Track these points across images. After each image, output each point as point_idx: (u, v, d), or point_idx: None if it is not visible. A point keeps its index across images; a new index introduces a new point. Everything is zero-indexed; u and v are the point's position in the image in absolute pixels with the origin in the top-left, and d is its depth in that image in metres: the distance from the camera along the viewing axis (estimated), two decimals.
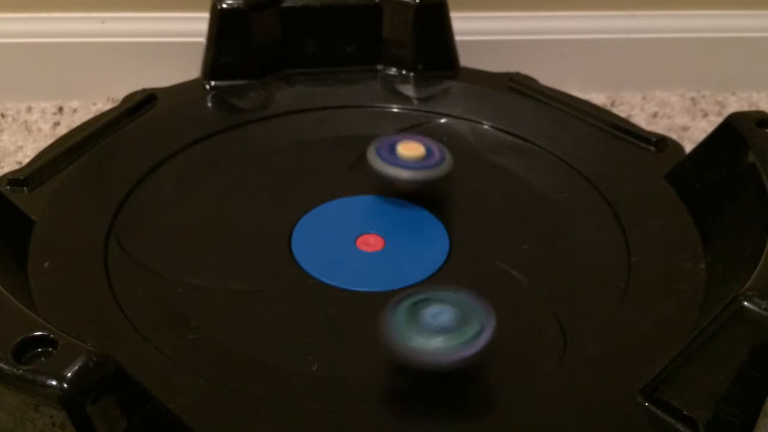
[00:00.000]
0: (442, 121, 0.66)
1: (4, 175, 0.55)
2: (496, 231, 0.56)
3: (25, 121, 0.75)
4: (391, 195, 0.58)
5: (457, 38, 0.71)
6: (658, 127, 0.74)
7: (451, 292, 0.43)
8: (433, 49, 0.71)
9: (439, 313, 0.42)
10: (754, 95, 0.83)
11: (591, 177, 0.60)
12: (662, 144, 0.62)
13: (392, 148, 0.56)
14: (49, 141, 0.62)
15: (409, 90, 0.69)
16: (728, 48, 0.82)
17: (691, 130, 0.77)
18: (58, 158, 0.57)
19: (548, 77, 0.71)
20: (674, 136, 0.68)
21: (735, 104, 0.81)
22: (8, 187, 0.55)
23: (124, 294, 0.49)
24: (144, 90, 0.66)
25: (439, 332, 0.41)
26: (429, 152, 0.56)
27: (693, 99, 0.82)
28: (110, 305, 0.48)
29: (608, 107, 0.78)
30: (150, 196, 0.57)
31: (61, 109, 0.77)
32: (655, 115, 0.79)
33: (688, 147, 0.61)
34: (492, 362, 0.46)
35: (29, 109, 0.77)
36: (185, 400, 0.41)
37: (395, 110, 0.67)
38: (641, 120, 0.78)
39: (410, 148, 0.56)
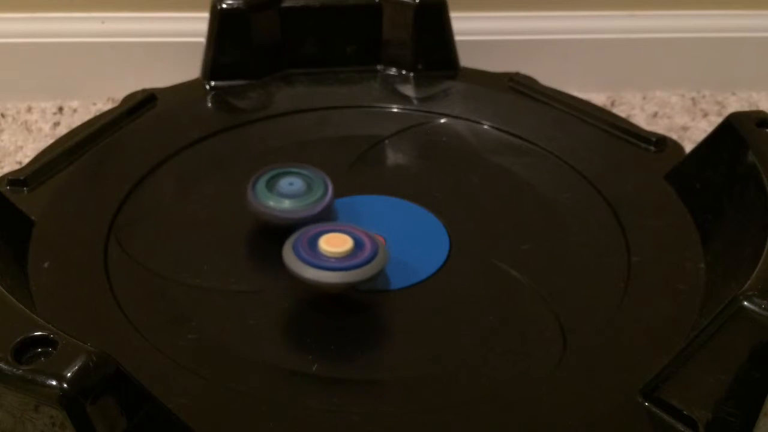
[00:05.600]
0: (442, 121, 0.66)
1: (4, 175, 0.55)
2: (496, 231, 0.56)
3: (25, 121, 0.75)
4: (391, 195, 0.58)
5: (457, 38, 0.71)
6: (658, 127, 0.74)
7: (298, 168, 0.54)
8: (433, 49, 0.71)
9: (291, 182, 0.53)
10: (754, 95, 0.83)
11: (591, 177, 0.60)
12: (662, 144, 0.62)
13: (313, 243, 0.48)
14: (49, 141, 0.62)
15: (409, 90, 0.69)
16: (728, 48, 0.82)
17: (691, 130, 0.77)
18: (58, 158, 0.57)
19: (548, 77, 0.71)
20: (674, 136, 0.68)
21: (735, 104, 0.81)
22: (8, 187, 0.55)
23: (124, 294, 0.49)
24: (144, 90, 0.66)
25: (292, 196, 0.52)
26: (358, 245, 0.48)
27: (693, 99, 0.82)
28: (110, 305, 0.48)
29: (608, 107, 0.78)
30: (150, 196, 0.57)
31: (61, 109, 0.77)
32: (655, 115, 0.79)
33: (688, 147, 0.61)
34: (492, 362, 0.46)
35: (29, 109, 0.77)
36: (185, 400, 0.41)
37: (395, 110, 0.67)
38: (641, 120, 0.78)
39: (334, 242, 0.48)
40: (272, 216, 0.52)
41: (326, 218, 0.53)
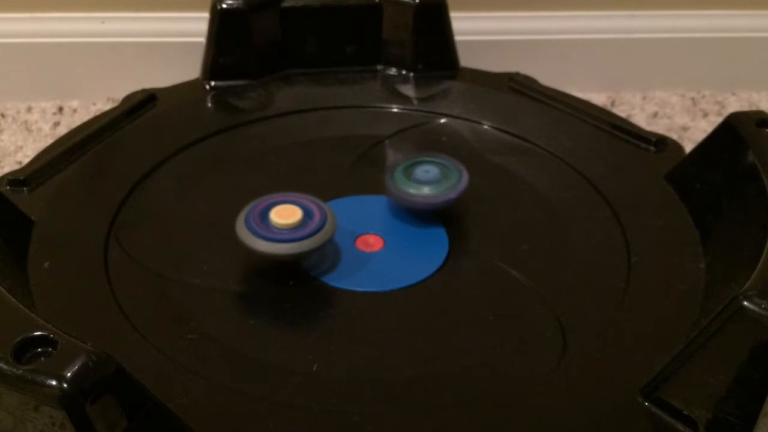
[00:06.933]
0: (442, 121, 0.66)
1: (4, 175, 0.55)
2: (496, 231, 0.56)
3: (25, 121, 0.75)
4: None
5: (457, 38, 0.71)
6: (658, 127, 0.74)
7: (435, 157, 0.57)
8: (433, 49, 0.71)
9: (427, 170, 0.55)
10: (754, 95, 0.83)
11: (591, 177, 0.60)
12: (662, 144, 0.62)
13: (264, 215, 0.50)
14: (49, 141, 0.62)
15: (409, 90, 0.69)
16: (728, 48, 0.82)
17: (691, 130, 0.77)
18: (58, 158, 0.58)
19: (548, 77, 0.71)
20: (674, 136, 0.68)
21: (735, 104, 0.81)
22: (8, 187, 0.55)
23: (124, 294, 0.49)
24: (144, 90, 0.66)
25: (429, 183, 0.55)
26: (308, 216, 0.50)
27: (693, 99, 0.82)
28: (110, 305, 0.48)
29: (608, 107, 0.78)
30: (150, 196, 0.57)
31: (61, 109, 0.77)
32: (655, 115, 0.79)
33: (688, 147, 0.61)
34: (492, 362, 0.46)
35: (29, 109, 0.77)
36: (185, 400, 0.41)
37: (395, 110, 0.67)
38: (641, 120, 0.78)
39: (284, 214, 0.50)
40: (413, 202, 0.55)
41: (461, 201, 0.56)
